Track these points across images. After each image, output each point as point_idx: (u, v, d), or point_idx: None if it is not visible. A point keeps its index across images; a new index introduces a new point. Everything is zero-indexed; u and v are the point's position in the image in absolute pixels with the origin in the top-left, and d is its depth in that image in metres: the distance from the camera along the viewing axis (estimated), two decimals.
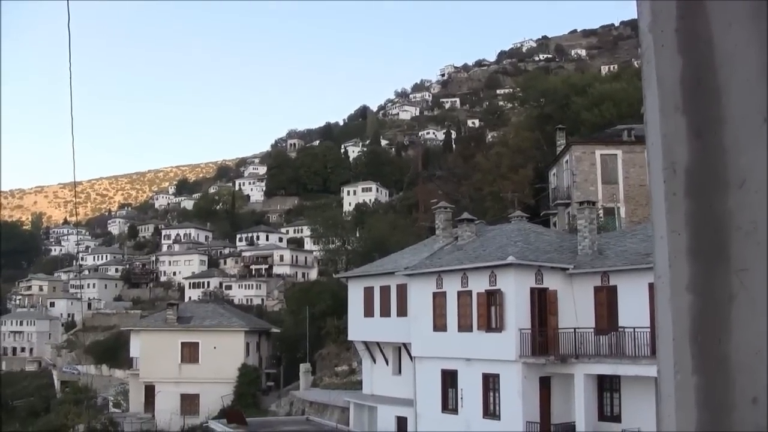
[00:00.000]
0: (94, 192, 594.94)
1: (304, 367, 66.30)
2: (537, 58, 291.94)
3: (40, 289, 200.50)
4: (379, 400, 48.93)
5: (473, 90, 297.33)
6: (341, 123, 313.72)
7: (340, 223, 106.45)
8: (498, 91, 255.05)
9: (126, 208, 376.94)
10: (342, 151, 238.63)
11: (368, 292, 50.23)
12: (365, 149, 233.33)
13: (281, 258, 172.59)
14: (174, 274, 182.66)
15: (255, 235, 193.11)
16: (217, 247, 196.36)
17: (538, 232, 47.21)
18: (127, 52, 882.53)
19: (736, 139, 1.93)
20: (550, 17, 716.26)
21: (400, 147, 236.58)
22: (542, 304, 39.03)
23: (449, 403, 42.36)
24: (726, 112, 1.95)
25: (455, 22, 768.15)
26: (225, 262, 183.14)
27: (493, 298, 39.41)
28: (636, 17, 2.24)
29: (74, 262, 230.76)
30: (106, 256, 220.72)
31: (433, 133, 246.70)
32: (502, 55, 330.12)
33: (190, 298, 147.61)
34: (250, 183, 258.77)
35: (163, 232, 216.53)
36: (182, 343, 72.18)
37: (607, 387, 37.83)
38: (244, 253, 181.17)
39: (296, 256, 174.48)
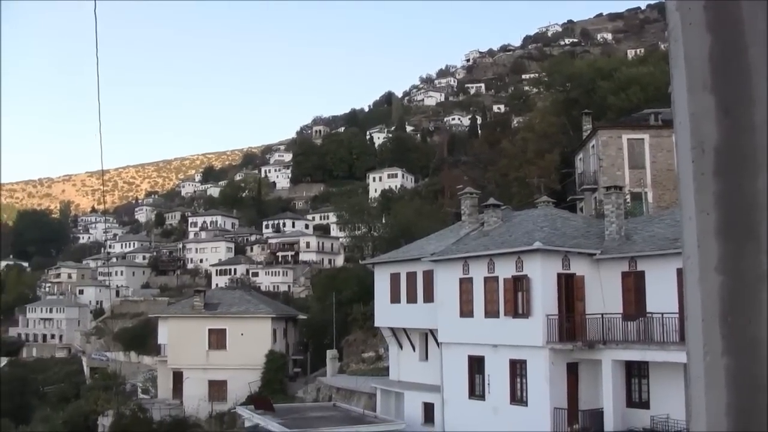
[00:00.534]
0: (122, 180, 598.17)
1: (330, 353, 66.39)
2: (562, 43, 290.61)
3: (69, 276, 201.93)
4: (405, 386, 48.97)
5: (498, 75, 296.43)
6: (366, 109, 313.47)
7: (366, 210, 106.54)
8: (523, 76, 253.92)
9: (153, 195, 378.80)
10: (367, 137, 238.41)
11: (394, 279, 50.23)
12: (390, 135, 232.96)
13: (307, 245, 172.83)
14: (201, 261, 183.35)
15: (281, 222, 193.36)
16: (244, 234, 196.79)
17: (565, 217, 47.00)
18: (154, 39, 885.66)
19: (766, 118, 1.90)
20: (576, 1, 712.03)
21: (426, 133, 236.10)
22: (569, 289, 38.87)
23: (476, 389, 42.34)
24: (756, 92, 1.92)
25: (480, 7, 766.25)
26: (251, 249, 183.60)
27: (519, 284, 39.31)
28: None
29: (102, 249, 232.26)
30: (134, 243, 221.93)
31: (459, 118, 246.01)
32: (528, 39, 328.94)
33: (217, 285, 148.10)
34: (276, 170, 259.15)
35: (190, 220, 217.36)
36: (209, 330, 72.43)
37: (635, 373, 37.65)
38: (270, 240, 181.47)
39: (322, 243, 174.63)
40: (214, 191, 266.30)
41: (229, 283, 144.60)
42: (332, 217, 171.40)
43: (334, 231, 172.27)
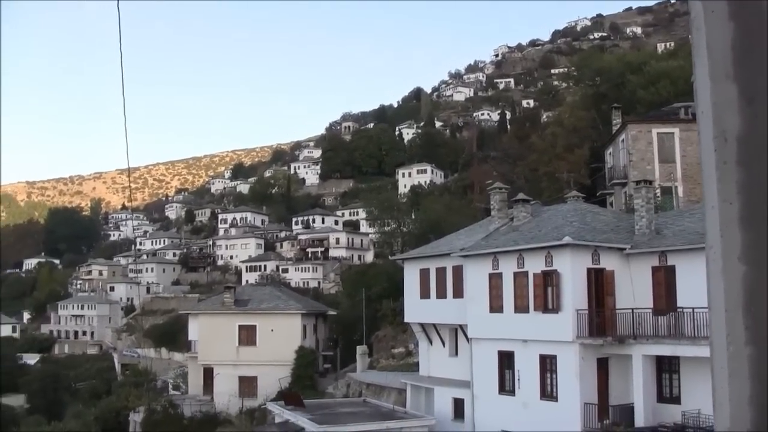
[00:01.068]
0: (151, 177, 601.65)
1: (360, 349, 66.43)
2: (592, 37, 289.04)
3: (100, 273, 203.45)
4: (435, 381, 48.95)
5: (527, 70, 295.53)
6: (395, 105, 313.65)
7: (396, 205, 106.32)
8: (552, 71, 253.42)
9: (183, 192, 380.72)
10: (396, 133, 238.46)
11: (424, 274, 50.20)
12: (420, 131, 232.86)
13: (337, 241, 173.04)
14: (231, 257, 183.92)
15: (311, 218, 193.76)
16: (274, 231, 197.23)
17: (595, 212, 46.81)
18: (184, 37, 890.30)
19: None
20: None
21: (455, 128, 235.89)
22: (599, 284, 38.72)
23: (506, 385, 42.27)
24: None
25: (509, 2, 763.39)
26: (281, 246, 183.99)
27: (549, 279, 39.18)
28: None
29: (132, 246, 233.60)
30: (164, 240, 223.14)
31: (488, 113, 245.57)
32: (557, 34, 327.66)
33: (247, 281, 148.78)
34: (305, 166, 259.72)
35: (220, 216, 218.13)
36: (240, 326, 72.67)
37: (666, 368, 37.42)
38: (300, 236, 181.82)
39: (352, 239, 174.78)
40: (243, 188, 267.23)
41: (259, 279, 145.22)
42: (362, 213, 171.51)
43: (364, 227, 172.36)
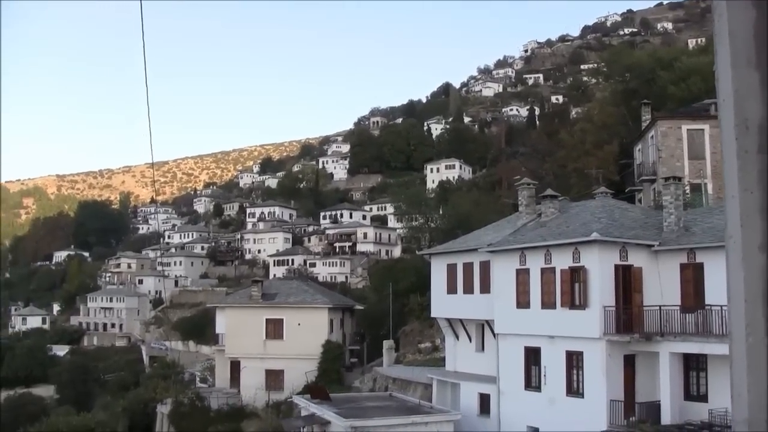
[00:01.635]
0: (180, 171, 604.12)
1: (387, 343, 66.42)
2: (622, 33, 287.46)
3: (129, 266, 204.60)
4: (462, 377, 48.94)
5: (557, 66, 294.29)
6: (424, 100, 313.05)
7: (424, 201, 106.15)
8: (582, 67, 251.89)
9: (211, 186, 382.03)
10: (425, 128, 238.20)
11: (451, 269, 50.16)
12: (448, 126, 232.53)
13: (365, 235, 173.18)
14: (259, 251, 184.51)
15: (339, 212, 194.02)
16: (301, 225, 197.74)
17: (623, 208, 46.58)
18: (213, 31, 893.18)
19: None
20: None
21: (483, 124, 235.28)
22: (627, 281, 38.52)
23: (532, 381, 42.20)
24: None
25: None
26: (309, 240, 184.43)
27: (576, 275, 39.03)
28: None
29: (161, 240, 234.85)
30: (192, 234, 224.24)
31: (517, 109, 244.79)
32: (586, 29, 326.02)
33: (274, 275, 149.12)
34: (333, 161, 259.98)
35: (248, 211, 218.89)
36: (267, 320, 72.86)
37: (693, 366, 37.18)
38: (327, 231, 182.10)
39: (380, 234, 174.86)
40: (272, 182, 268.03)
41: (286, 273, 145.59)
42: (389, 208, 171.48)
43: (392, 222, 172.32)
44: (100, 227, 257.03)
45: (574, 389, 39.14)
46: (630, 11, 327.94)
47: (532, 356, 42.08)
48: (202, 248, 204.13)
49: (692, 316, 36.08)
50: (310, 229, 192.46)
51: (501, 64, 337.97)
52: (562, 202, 48.12)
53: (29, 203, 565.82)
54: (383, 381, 59.73)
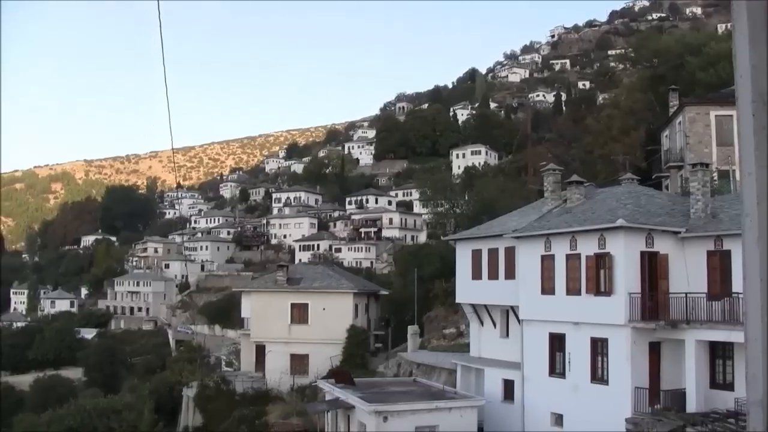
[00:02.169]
0: (206, 156, 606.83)
1: (411, 329, 66.45)
2: (650, 18, 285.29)
3: (155, 251, 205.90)
4: (486, 362, 48.89)
5: (584, 51, 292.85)
6: (450, 86, 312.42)
7: (449, 186, 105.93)
8: (609, 52, 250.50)
9: (237, 172, 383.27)
10: (451, 114, 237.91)
11: (476, 255, 50.06)
12: (474, 112, 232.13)
13: (390, 221, 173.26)
14: (284, 236, 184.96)
15: (364, 198, 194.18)
16: (327, 210, 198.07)
17: (649, 194, 46.24)
18: (239, 17, 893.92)
19: None
20: None
21: (509, 110, 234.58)
22: (652, 268, 38.25)
23: (556, 367, 42.07)
24: None
25: None
26: (335, 225, 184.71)
27: (602, 262, 38.82)
28: None
29: (187, 225, 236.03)
30: (219, 219, 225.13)
31: (543, 95, 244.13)
32: (614, 15, 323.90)
33: (300, 260, 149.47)
34: (359, 146, 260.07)
35: (274, 196, 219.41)
36: (292, 305, 72.96)
37: (719, 354, 36.90)
38: (353, 216, 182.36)
39: (405, 219, 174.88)
40: (297, 167, 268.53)
41: (311, 258, 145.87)
42: (415, 194, 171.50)
43: (417, 207, 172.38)
44: (127, 212, 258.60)
45: (598, 376, 39.00)
46: None
47: (557, 343, 41.94)
48: (228, 233, 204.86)
49: (719, 304, 35.80)
50: (336, 214, 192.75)
51: (527, 49, 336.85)
52: (587, 188, 47.83)
53: (58, 188, 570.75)
54: (407, 366, 59.81)
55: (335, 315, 71.11)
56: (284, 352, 70.91)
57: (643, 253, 38.05)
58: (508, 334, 48.49)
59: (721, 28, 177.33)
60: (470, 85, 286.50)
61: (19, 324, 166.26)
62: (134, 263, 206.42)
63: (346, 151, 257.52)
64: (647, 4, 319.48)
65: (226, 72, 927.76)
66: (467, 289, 51.04)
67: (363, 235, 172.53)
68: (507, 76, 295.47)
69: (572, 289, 40.40)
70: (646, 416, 35.80)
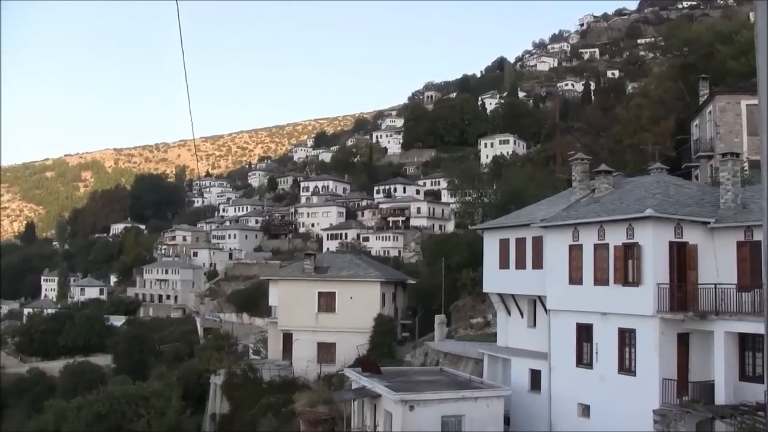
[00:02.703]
0: (235, 145, 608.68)
1: (439, 318, 66.41)
2: (680, 6, 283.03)
3: (184, 239, 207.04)
4: (513, 352, 48.77)
5: (613, 40, 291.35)
6: (478, 75, 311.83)
7: (477, 176, 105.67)
8: (639, 41, 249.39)
9: (266, 160, 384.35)
10: (479, 103, 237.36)
11: (503, 244, 49.88)
12: (502, 101, 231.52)
13: (418, 210, 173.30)
14: (312, 225, 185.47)
15: (392, 187, 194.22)
16: (355, 199, 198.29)
17: (679, 184, 45.83)
18: (270, 5, 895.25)
19: None
20: None
21: (538, 99, 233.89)
22: (681, 258, 37.91)
23: (584, 357, 41.85)
24: None
25: None
26: (362, 214, 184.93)
27: (630, 252, 38.53)
28: None
29: (216, 213, 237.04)
30: (247, 207, 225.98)
31: (572, 84, 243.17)
32: (644, 3, 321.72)
33: (327, 249, 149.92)
34: (387, 135, 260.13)
35: (302, 184, 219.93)
36: (319, 293, 73.08)
37: (749, 346, 36.49)
38: (381, 205, 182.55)
39: (433, 208, 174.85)
40: (325, 156, 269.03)
41: (339, 247, 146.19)
42: (443, 183, 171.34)
43: (445, 197, 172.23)
44: (156, 200, 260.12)
45: (626, 367, 38.77)
46: None
47: (584, 333, 41.72)
48: (256, 221, 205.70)
49: (748, 295, 35.46)
50: (364, 203, 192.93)
51: (556, 38, 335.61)
52: (616, 177, 47.51)
53: (87, 176, 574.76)
54: (434, 355, 59.81)
55: (362, 304, 71.21)
56: (311, 341, 71.12)
57: (671, 244, 37.75)
58: (535, 324, 48.34)
59: (752, 16, 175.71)
60: (499, 74, 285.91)
61: (50, 311, 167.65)
62: (163, 251, 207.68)
63: (374, 140, 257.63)
64: None
65: (256, 61, 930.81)
66: (494, 279, 50.90)
67: (391, 224, 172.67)
68: (536, 65, 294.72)
69: (600, 279, 40.18)
70: (674, 408, 35.61)
